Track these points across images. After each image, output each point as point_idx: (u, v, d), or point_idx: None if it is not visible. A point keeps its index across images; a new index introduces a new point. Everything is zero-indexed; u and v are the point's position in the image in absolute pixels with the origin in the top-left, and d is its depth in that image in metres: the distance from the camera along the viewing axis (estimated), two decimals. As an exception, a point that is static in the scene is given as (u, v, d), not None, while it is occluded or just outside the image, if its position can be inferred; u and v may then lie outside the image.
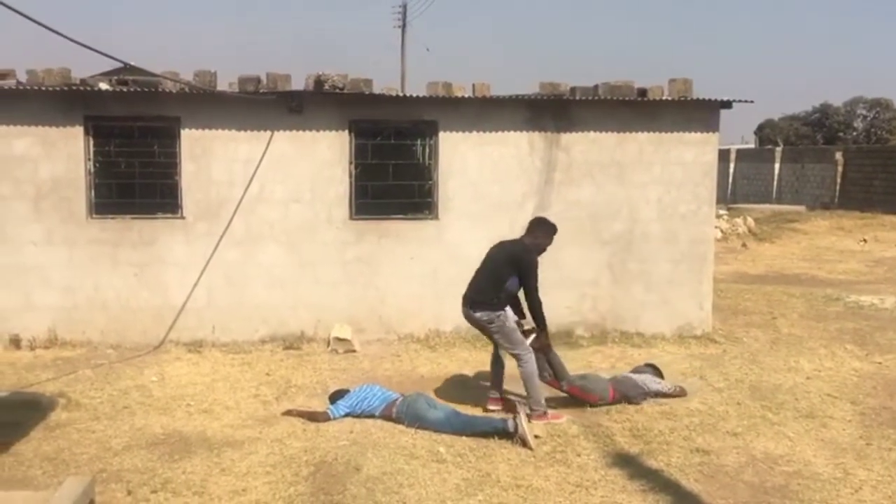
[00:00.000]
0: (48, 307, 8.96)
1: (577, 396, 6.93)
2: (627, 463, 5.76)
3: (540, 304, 6.69)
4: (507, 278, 6.67)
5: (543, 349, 6.80)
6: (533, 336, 6.78)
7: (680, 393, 7.14)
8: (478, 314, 6.73)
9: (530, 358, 6.63)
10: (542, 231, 6.86)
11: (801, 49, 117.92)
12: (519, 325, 6.87)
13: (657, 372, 7.38)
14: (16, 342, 8.82)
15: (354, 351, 8.90)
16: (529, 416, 6.38)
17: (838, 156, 30.49)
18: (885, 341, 9.61)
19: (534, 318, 6.77)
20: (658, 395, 7.07)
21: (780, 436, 6.37)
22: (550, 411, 6.68)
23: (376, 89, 9.08)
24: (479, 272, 6.87)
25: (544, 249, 6.88)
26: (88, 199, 9.02)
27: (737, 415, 6.86)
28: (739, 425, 6.59)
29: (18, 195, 8.90)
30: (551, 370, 6.88)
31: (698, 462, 5.81)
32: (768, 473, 5.65)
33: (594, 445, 6.10)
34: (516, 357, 6.68)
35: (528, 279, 6.62)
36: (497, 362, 6.97)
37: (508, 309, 6.78)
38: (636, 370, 7.48)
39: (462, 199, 9.46)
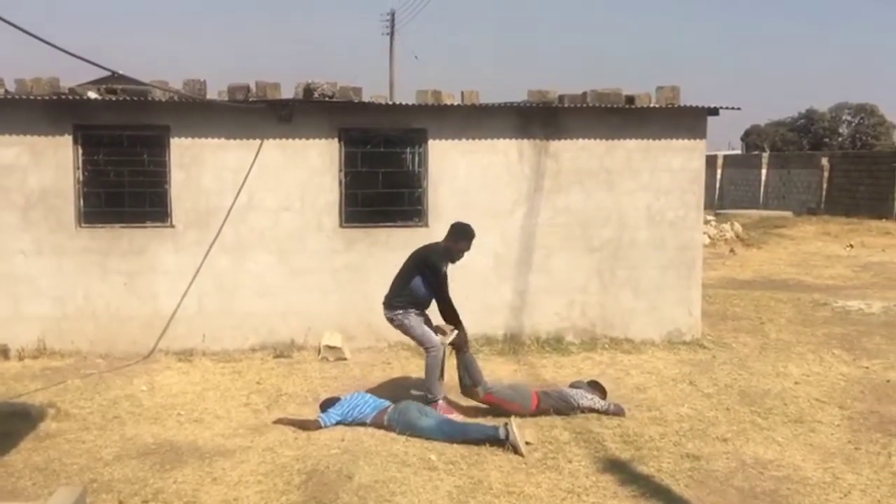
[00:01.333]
0: (37, 317, 8.92)
1: (494, 404, 6.81)
2: (618, 469, 5.79)
3: (449, 304, 6.96)
4: (410, 280, 6.91)
5: (462, 346, 6.88)
6: (455, 334, 6.90)
7: (615, 411, 6.92)
8: (384, 312, 7.05)
9: (437, 353, 6.84)
10: (454, 235, 7.03)
11: (786, 55, 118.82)
12: (439, 327, 7.02)
13: (599, 389, 7.17)
14: (4, 352, 8.77)
15: (345, 359, 8.90)
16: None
17: (824, 161, 30.76)
18: (873, 346, 9.69)
19: (445, 318, 6.99)
20: (591, 410, 6.89)
21: (769, 441, 6.42)
22: (443, 404, 6.86)
23: (365, 97, 9.11)
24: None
25: (459, 253, 7.04)
26: (77, 208, 9.00)
27: (726, 420, 6.90)
28: (729, 430, 6.63)
29: (7, 205, 8.86)
30: (468, 375, 6.84)
31: (688, 467, 5.85)
32: (758, 478, 5.69)
33: (585, 451, 6.12)
34: (424, 349, 6.94)
35: (430, 281, 6.87)
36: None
37: (413, 311, 6.94)
38: (572, 384, 7.30)
39: (451, 207, 9.47)
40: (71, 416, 6.86)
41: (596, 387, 7.18)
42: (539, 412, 6.81)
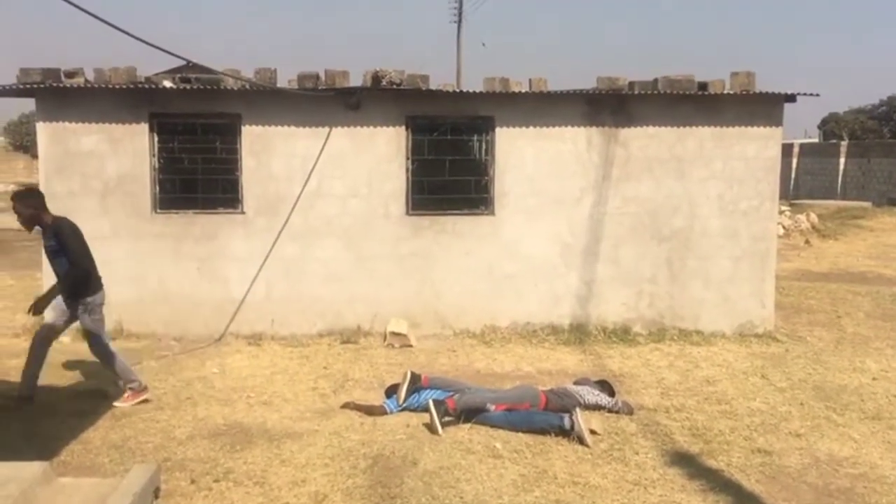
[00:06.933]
0: (114, 300, 9.13)
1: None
2: (687, 462, 5.68)
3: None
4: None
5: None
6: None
7: (622, 409, 6.71)
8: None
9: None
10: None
11: (868, 40, 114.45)
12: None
13: (607, 388, 6.97)
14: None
15: (410, 345, 8.95)
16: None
17: (907, 150, 29.56)
18: (957, 342, 9.28)
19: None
20: (597, 407, 6.66)
21: (844, 437, 6.22)
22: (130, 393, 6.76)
23: (433, 85, 9.11)
24: None
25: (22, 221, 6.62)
26: (153, 194, 9.25)
27: (800, 415, 6.71)
28: (802, 426, 6.44)
29: (87, 191, 9.16)
30: (465, 408, 6.36)
31: (760, 462, 5.70)
32: (833, 475, 5.52)
33: (652, 444, 6.03)
34: None
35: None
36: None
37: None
38: (576, 382, 7.11)
39: (518, 195, 9.43)
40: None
41: (604, 385, 6.99)
42: (547, 409, 6.52)
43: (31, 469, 4.36)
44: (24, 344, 8.83)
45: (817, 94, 9.35)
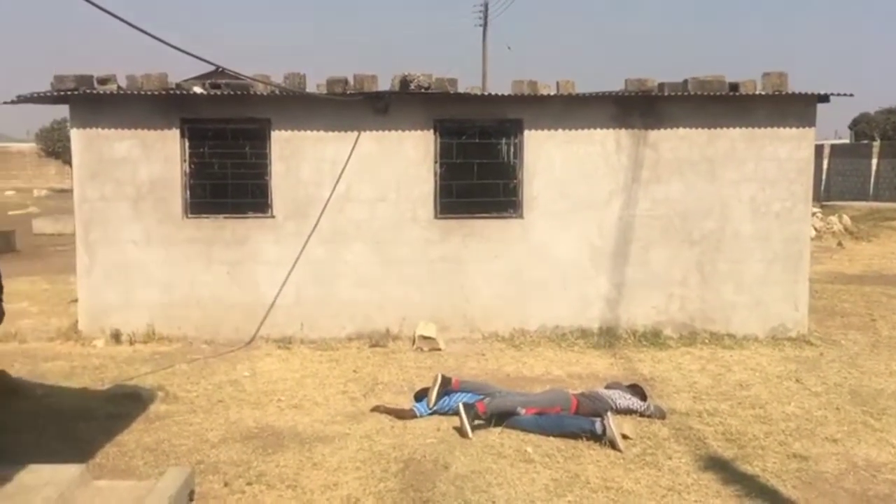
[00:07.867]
0: (147, 303, 9.31)
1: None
2: (721, 467, 5.61)
3: None
4: None
5: None
6: None
7: (654, 413, 6.63)
8: None
9: None
10: None
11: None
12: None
13: (639, 392, 6.86)
14: (116, 336, 9.19)
15: (439, 349, 8.95)
16: None
17: (941, 150, 29.07)
18: None
19: None
20: (629, 411, 6.59)
21: (882, 442, 6.11)
22: None
23: (461, 89, 9.10)
24: None
25: None
26: (184, 199, 9.33)
27: (836, 420, 6.61)
28: (839, 431, 6.35)
29: (120, 196, 9.27)
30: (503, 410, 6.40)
31: (796, 468, 5.62)
32: (871, 481, 5.42)
33: (685, 448, 5.96)
34: None
35: None
36: None
37: None
38: (608, 385, 7.03)
39: (547, 198, 9.39)
40: (179, 399, 7.14)
41: (635, 389, 6.90)
42: (579, 414, 6.47)
43: (68, 471, 4.42)
44: (59, 347, 9.03)
45: (851, 95, 9.23)
